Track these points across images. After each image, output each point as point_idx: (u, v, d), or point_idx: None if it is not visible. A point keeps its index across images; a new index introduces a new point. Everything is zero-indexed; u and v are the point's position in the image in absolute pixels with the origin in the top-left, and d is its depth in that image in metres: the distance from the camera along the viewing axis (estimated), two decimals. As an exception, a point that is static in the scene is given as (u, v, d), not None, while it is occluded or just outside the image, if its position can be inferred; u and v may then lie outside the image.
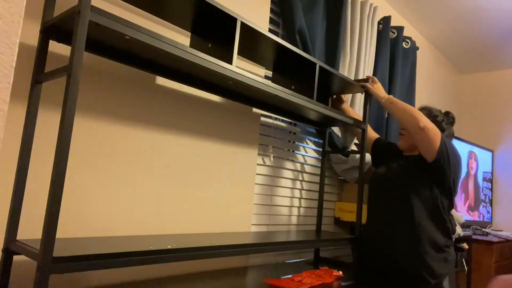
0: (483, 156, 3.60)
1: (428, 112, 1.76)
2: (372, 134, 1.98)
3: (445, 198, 1.62)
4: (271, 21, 1.91)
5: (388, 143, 1.94)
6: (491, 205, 3.73)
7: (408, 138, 1.73)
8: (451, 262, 1.65)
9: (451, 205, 1.66)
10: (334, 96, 1.99)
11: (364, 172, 1.83)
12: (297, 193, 2.04)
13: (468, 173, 3.36)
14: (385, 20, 2.48)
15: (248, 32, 1.32)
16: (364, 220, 1.82)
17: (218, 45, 1.29)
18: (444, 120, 1.79)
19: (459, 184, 1.70)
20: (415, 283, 1.57)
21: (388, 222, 1.67)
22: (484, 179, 3.64)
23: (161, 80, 1.40)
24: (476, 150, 3.47)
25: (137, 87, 1.34)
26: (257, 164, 1.80)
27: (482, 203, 3.58)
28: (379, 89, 1.82)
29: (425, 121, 1.58)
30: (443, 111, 1.85)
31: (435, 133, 1.58)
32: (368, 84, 1.82)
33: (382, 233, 1.68)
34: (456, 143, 3.13)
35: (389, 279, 1.62)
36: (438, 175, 1.60)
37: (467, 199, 3.34)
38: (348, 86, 1.81)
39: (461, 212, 3.17)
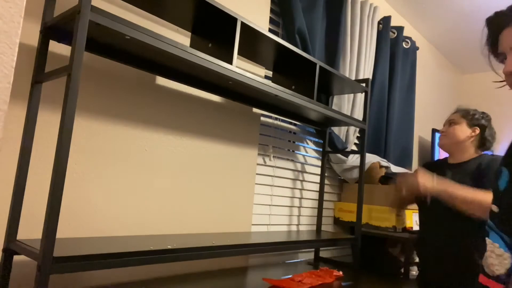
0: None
1: (466, 112, 1.72)
2: None
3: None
4: (271, 21, 1.91)
5: (433, 163, 1.84)
6: (491, 205, 3.73)
7: (450, 136, 1.68)
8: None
9: None
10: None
11: (364, 172, 1.82)
12: (297, 193, 2.04)
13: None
14: (385, 20, 2.48)
15: (248, 32, 1.32)
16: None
17: (218, 45, 1.29)
18: (483, 118, 1.72)
19: None
20: None
21: (444, 238, 1.58)
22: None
23: (161, 80, 1.40)
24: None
25: (137, 87, 1.34)
26: (257, 164, 1.80)
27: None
28: (427, 180, 1.47)
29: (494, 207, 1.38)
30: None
31: None
32: (418, 181, 1.46)
33: (438, 250, 1.59)
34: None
35: None
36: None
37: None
38: (348, 86, 1.81)
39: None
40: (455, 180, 1.55)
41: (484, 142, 1.71)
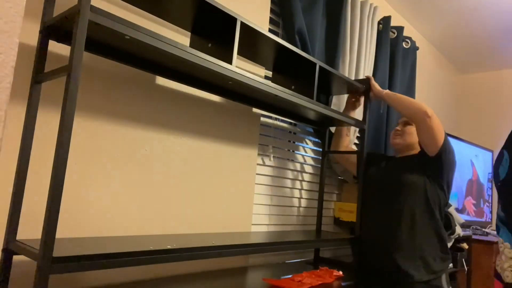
0: (483, 157, 3.60)
1: None
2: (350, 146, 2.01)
3: (442, 193, 1.64)
4: (271, 21, 1.91)
5: (373, 154, 1.97)
6: (491, 205, 3.73)
7: (405, 136, 1.76)
8: (448, 259, 1.65)
9: (447, 201, 1.68)
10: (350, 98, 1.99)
11: (363, 172, 1.82)
12: (297, 193, 2.04)
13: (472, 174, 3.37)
14: (385, 20, 2.48)
15: (248, 32, 1.32)
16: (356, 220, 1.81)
17: (218, 45, 1.29)
18: None
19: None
20: (412, 279, 1.57)
21: (386, 221, 1.67)
22: (488, 180, 3.65)
23: (161, 80, 1.40)
24: (476, 150, 3.47)
25: (137, 87, 1.34)
26: (257, 164, 1.80)
27: (486, 203, 3.59)
28: (377, 85, 1.85)
29: (431, 110, 1.60)
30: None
31: (440, 124, 1.60)
32: (369, 75, 1.86)
33: (381, 233, 1.68)
34: (456, 143, 3.13)
35: (388, 278, 1.62)
36: (438, 169, 1.61)
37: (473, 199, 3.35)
38: (348, 86, 1.81)
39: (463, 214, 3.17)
40: (397, 167, 1.73)
41: None
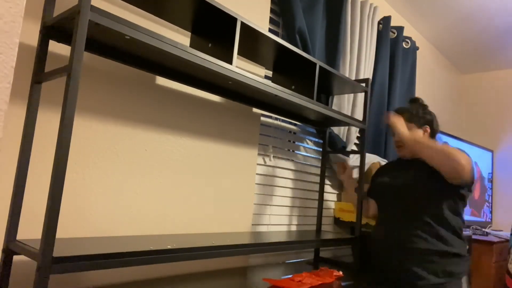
0: (483, 157, 3.61)
1: (409, 115, 1.69)
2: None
3: (459, 199, 1.55)
4: (271, 21, 1.91)
5: (390, 163, 1.85)
6: (491, 205, 3.74)
7: (410, 149, 1.65)
8: (466, 260, 1.55)
9: (465, 204, 1.58)
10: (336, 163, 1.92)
11: (364, 172, 1.82)
12: (297, 193, 2.04)
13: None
14: (385, 20, 2.48)
15: (248, 32, 1.32)
16: (373, 222, 1.74)
17: (218, 45, 1.29)
18: (424, 111, 1.71)
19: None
20: (428, 282, 1.49)
21: (402, 225, 1.58)
22: (489, 180, 3.65)
23: (161, 80, 1.40)
24: (476, 150, 3.47)
25: (137, 87, 1.34)
26: (257, 164, 1.80)
27: (486, 203, 3.59)
28: (403, 126, 1.61)
29: (464, 160, 1.41)
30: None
31: (470, 169, 1.45)
32: (391, 119, 1.64)
33: (397, 238, 1.58)
34: (456, 143, 3.13)
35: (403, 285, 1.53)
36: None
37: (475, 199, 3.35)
38: (348, 86, 1.81)
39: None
40: (413, 171, 1.61)
41: (434, 133, 1.72)
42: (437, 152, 1.46)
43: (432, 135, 1.71)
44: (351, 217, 2.12)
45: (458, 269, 1.52)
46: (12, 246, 0.95)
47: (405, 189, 1.60)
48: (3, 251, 0.97)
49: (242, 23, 1.26)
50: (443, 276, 1.50)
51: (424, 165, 1.57)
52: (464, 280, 1.58)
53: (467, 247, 1.63)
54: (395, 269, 1.56)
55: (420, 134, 1.67)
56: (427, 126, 1.69)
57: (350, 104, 2.15)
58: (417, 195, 1.56)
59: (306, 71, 1.57)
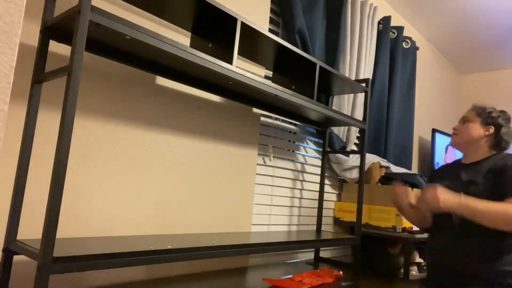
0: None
1: (482, 110, 1.63)
2: None
3: None
4: (271, 21, 1.91)
5: (445, 166, 1.76)
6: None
7: (462, 133, 1.61)
8: None
9: None
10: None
11: (364, 172, 1.82)
12: (297, 193, 2.04)
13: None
14: (385, 20, 2.48)
15: (248, 32, 1.33)
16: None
17: (218, 45, 1.29)
18: (500, 116, 1.63)
19: None
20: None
21: (458, 235, 1.49)
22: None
23: (161, 80, 1.40)
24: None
25: (137, 87, 1.34)
26: (257, 164, 1.80)
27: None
28: (447, 197, 1.39)
29: None
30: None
31: None
32: (429, 198, 1.40)
33: (451, 249, 1.50)
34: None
35: None
36: None
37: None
38: (348, 86, 1.81)
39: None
40: (467, 179, 1.51)
41: (499, 141, 1.59)
42: (495, 216, 1.33)
43: (496, 144, 1.60)
44: (351, 217, 2.13)
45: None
46: (12, 246, 0.95)
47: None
48: (3, 251, 0.97)
49: (242, 23, 1.26)
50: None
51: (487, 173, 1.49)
52: None
53: None
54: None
55: (480, 132, 1.58)
56: (492, 127, 1.59)
57: (350, 104, 2.15)
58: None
59: (306, 71, 1.57)
